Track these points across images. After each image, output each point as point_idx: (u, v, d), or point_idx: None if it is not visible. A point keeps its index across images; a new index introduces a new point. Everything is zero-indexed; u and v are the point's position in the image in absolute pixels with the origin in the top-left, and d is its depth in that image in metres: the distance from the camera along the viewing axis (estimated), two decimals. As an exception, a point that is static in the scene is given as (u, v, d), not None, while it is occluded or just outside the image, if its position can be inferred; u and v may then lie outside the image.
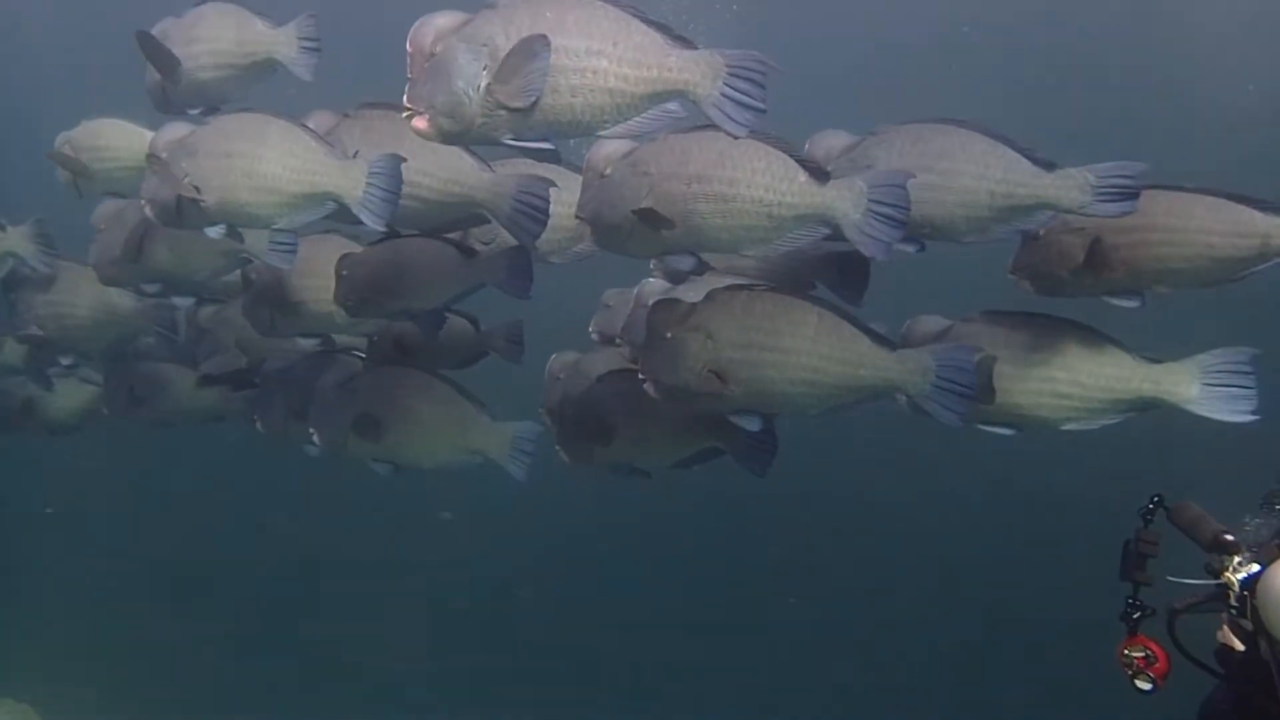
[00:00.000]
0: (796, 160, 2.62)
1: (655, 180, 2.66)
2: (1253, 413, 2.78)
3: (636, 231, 2.71)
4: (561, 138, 2.46)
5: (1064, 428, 2.99)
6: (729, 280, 3.00)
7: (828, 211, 2.61)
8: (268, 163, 2.98)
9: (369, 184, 2.93)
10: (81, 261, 4.10)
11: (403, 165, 2.91)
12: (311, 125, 3.14)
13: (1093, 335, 2.94)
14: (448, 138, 2.46)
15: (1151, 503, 2.08)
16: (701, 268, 2.84)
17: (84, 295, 4.14)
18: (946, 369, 2.68)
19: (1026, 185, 2.78)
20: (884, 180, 2.57)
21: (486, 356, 3.67)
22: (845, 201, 2.59)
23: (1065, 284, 2.97)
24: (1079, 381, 2.92)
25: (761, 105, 2.32)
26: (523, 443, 3.40)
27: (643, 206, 2.64)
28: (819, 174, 2.62)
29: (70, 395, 4.71)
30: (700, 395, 2.78)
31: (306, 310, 3.53)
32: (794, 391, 2.74)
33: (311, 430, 3.58)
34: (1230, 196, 2.82)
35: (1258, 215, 2.79)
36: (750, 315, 2.74)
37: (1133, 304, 2.94)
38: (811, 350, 2.71)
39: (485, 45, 2.38)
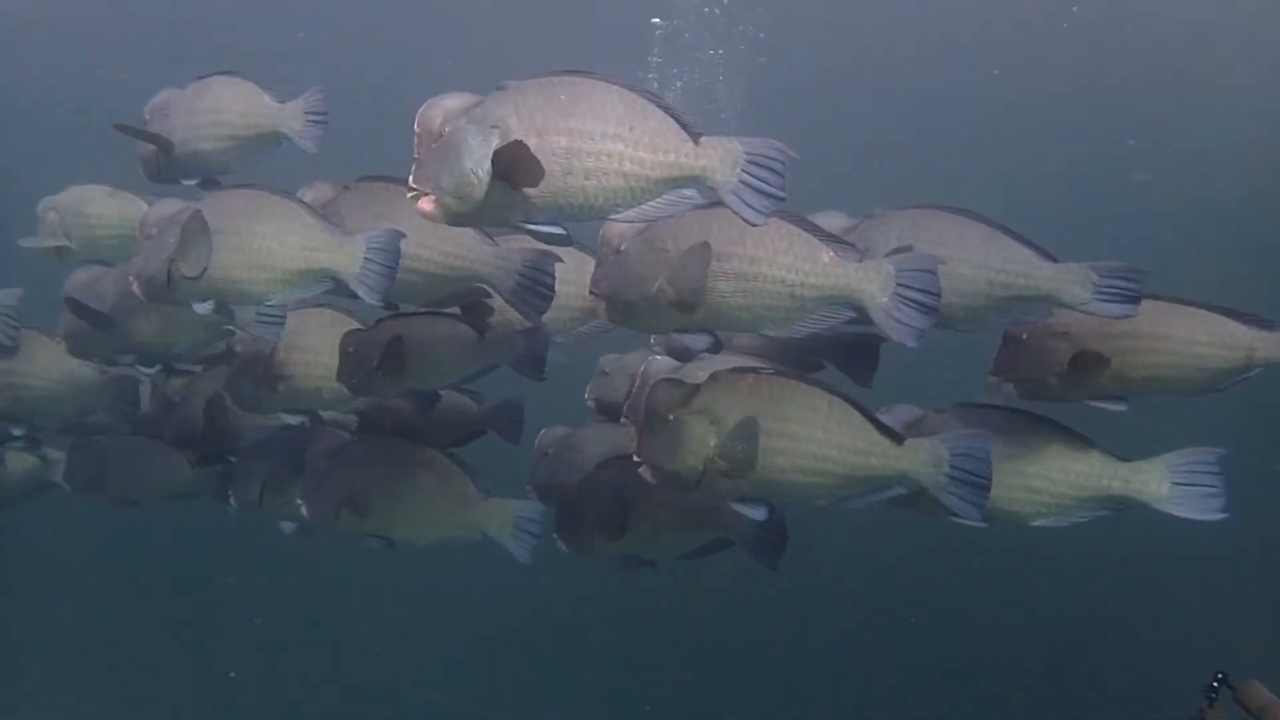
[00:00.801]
0: (821, 239, 2.58)
1: (673, 258, 2.61)
2: (1222, 511, 2.80)
3: (653, 309, 2.66)
4: (573, 221, 2.41)
5: (1033, 523, 2.99)
6: (734, 361, 2.94)
7: (853, 294, 2.57)
8: (262, 238, 2.93)
9: (367, 259, 2.90)
10: (40, 329, 3.98)
11: (404, 238, 2.88)
12: (310, 197, 3.10)
13: (1064, 431, 2.94)
14: (454, 219, 2.41)
15: (1216, 680, 2.01)
16: (718, 346, 2.78)
17: (41, 365, 4.00)
18: (961, 458, 2.62)
19: (1027, 276, 2.77)
20: (913, 264, 2.54)
21: (484, 434, 3.56)
22: (872, 284, 2.55)
23: (1049, 388, 2.96)
24: (1049, 477, 2.91)
25: (781, 194, 2.29)
26: (526, 522, 3.28)
27: (662, 287, 2.60)
28: (845, 254, 2.58)
29: (16, 467, 4.53)
30: (701, 483, 2.68)
31: (295, 385, 3.43)
32: (802, 481, 2.65)
33: (299, 503, 3.44)
34: (1212, 308, 2.89)
35: (1241, 328, 2.87)
36: (757, 399, 2.65)
37: (1119, 408, 2.96)
38: (822, 439, 2.62)
39: (496, 126, 2.34)
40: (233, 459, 3.96)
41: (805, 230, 2.60)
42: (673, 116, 2.35)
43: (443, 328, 3.23)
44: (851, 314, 2.61)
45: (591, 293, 2.82)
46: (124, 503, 4.17)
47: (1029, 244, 2.81)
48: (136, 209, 3.71)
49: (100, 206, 3.85)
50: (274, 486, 3.61)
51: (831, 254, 2.58)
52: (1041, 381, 2.97)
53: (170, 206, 3.09)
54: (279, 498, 3.60)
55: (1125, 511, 2.95)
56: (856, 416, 2.65)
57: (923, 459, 2.63)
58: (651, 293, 2.65)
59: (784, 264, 2.58)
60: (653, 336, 3.46)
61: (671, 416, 2.67)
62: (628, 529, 3.15)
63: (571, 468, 3.43)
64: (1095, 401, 2.96)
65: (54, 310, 3.95)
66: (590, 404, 3.63)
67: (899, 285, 2.53)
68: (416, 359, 3.17)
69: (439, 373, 3.24)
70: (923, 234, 2.76)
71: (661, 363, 3.22)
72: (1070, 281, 2.76)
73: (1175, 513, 2.85)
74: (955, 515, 2.71)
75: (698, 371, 2.91)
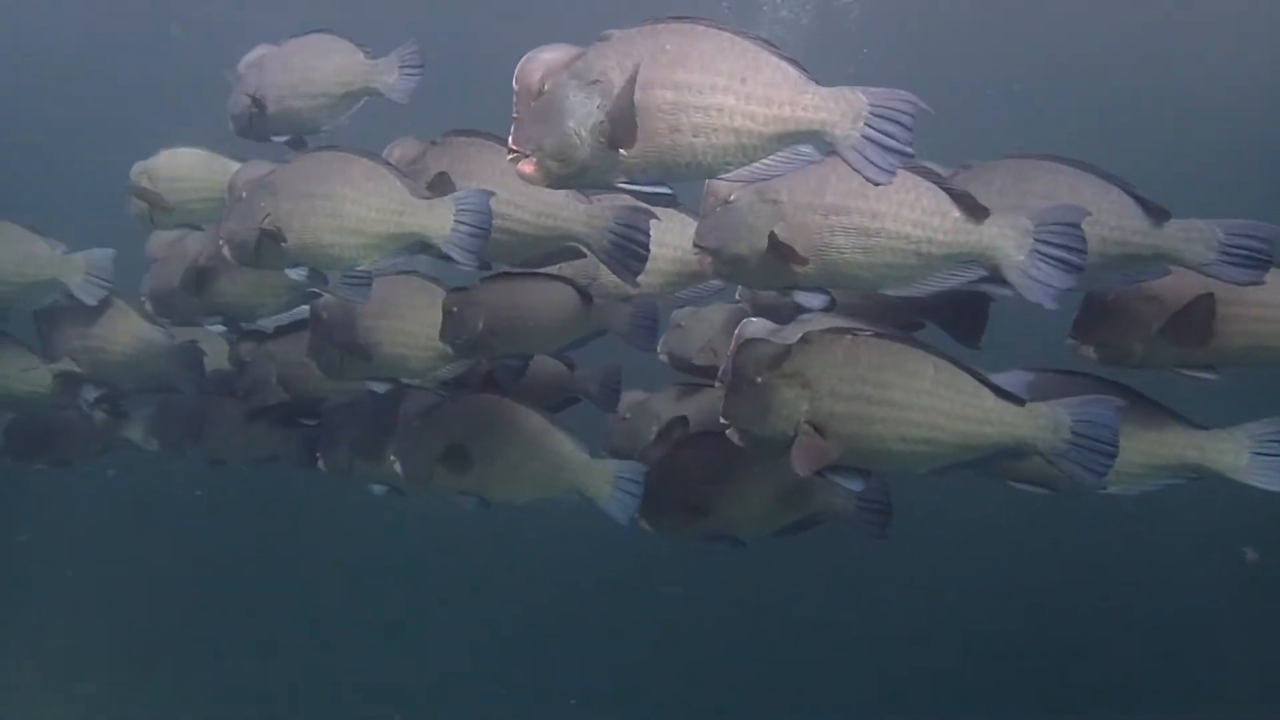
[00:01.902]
0: (949, 193, 2.43)
1: (786, 210, 2.49)
2: None
3: (764, 265, 2.54)
4: (680, 181, 2.30)
5: (1104, 491, 2.86)
6: (829, 321, 2.80)
7: (986, 251, 2.41)
8: (352, 203, 2.89)
9: (457, 221, 2.84)
10: (120, 295, 4.06)
11: (493, 197, 2.82)
12: (396, 154, 3.07)
13: (1136, 397, 2.79)
14: (556, 181, 2.31)
15: None
16: (832, 304, 2.65)
17: (120, 330, 4.09)
18: (1084, 424, 2.45)
19: (1144, 233, 2.60)
20: (1054, 218, 2.36)
21: (578, 402, 3.49)
22: (1007, 241, 2.39)
23: (1135, 355, 2.82)
24: (1122, 444, 2.74)
25: (909, 149, 2.14)
26: (626, 482, 3.13)
27: (774, 237, 2.47)
28: (976, 209, 2.42)
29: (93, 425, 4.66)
30: (792, 450, 2.55)
31: (382, 352, 3.40)
32: (905, 450, 2.51)
33: (393, 462, 3.41)
34: None
35: None
36: (855, 363, 2.50)
37: (1208, 377, 2.80)
38: (929, 405, 2.48)
39: (598, 81, 2.23)
40: (308, 422, 3.99)
41: (932, 182, 2.44)
42: (790, 64, 2.20)
43: (549, 291, 3.16)
44: (982, 273, 2.45)
45: (697, 246, 2.71)
46: (210, 461, 4.23)
47: (1145, 199, 2.63)
48: (229, 172, 3.70)
49: (192, 170, 3.86)
50: (364, 449, 3.59)
51: (961, 208, 2.42)
52: (1126, 347, 2.82)
53: (258, 169, 3.09)
54: (370, 461, 3.58)
55: (1200, 480, 2.82)
56: (967, 380, 2.50)
57: (1042, 424, 2.47)
58: (762, 246, 2.53)
59: (910, 219, 2.43)
60: (737, 292, 3.35)
61: (760, 379, 2.55)
62: (715, 509, 3.07)
63: (650, 434, 3.37)
64: (1184, 370, 2.81)
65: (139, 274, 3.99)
66: (664, 359, 3.55)
67: (1038, 241, 2.36)
68: (521, 322, 3.11)
69: (544, 337, 3.18)
70: (1028, 186, 2.60)
71: (757, 325, 3.09)
72: (1192, 240, 2.58)
73: (1253, 484, 2.72)
74: (1079, 482, 2.56)
75: (791, 333, 2.80)
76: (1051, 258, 2.34)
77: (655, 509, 3.16)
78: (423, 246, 2.93)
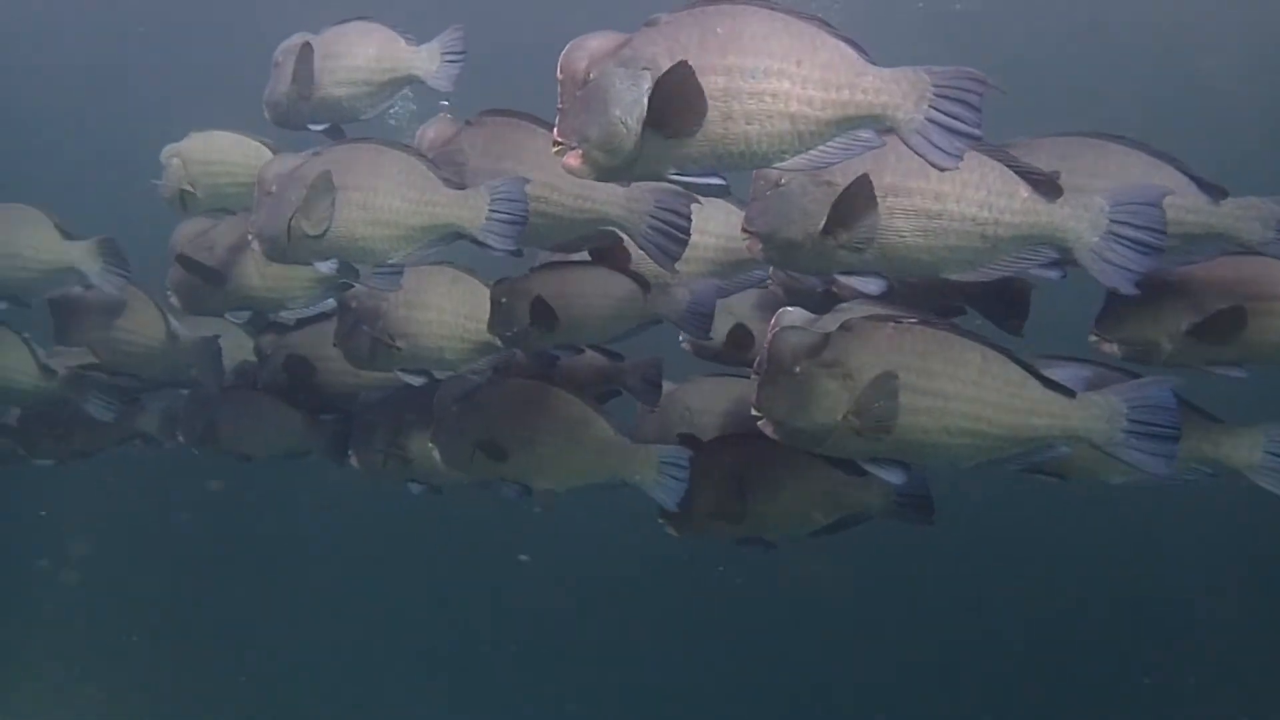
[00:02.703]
0: (1018, 171, 2.34)
1: (841, 191, 2.41)
2: None
3: (818, 250, 2.47)
4: (733, 170, 2.22)
5: (1113, 481, 2.86)
6: (865, 310, 2.72)
7: (1057, 233, 2.33)
8: (385, 194, 2.85)
9: (492, 210, 2.79)
10: (141, 286, 4.01)
11: (528, 183, 2.78)
12: (431, 134, 3.03)
13: None
14: (603, 173, 2.24)
15: None
16: (890, 291, 2.58)
17: (141, 322, 4.04)
18: (1141, 410, 2.39)
19: (1198, 212, 2.54)
20: (1131, 197, 2.28)
21: (619, 395, 3.43)
22: (1080, 222, 2.30)
23: (1162, 352, 2.76)
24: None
25: (976, 131, 2.06)
26: (671, 467, 3.05)
27: (830, 221, 2.40)
28: (1047, 188, 2.33)
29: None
30: (830, 442, 2.50)
31: (416, 344, 3.37)
32: (951, 443, 2.44)
33: (431, 452, 3.36)
34: None
35: None
36: (899, 352, 2.43)
37: (1237, 375, 2.76)
38: (976, 396, 2.40)
39: (647, 69, 2.15)
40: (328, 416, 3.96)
41: (997, 159, 2.35)
42: (848, 45, 2.11)
43: (601, 279, 3.10)
44: (1053, 256, 2.38)
45: (746, 231, 2.63)
46: (237, 456, 4.19)
47: (1198, 176, 2.56)
48: (263, 156, 3.64)
49: (226, 153, 3.79)
50: (399, 444, 3.55)
51: (1031, 188, 2.34)
52: (1152, 344, 2.77)
53: (288, 161, 3.02)
54: (405, 457, 3.54)
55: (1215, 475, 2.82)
56: (1015, 371, 2.42)
57: (1095, 415, 2.40)
58: (815, 230, 2.46)
59: (975, 199, 2.35)
60: (770, 275, 3.27)
61: (799, 369, 2.48)
62: (745, 513, 3.01)
63: (679, 426, 3.32)
64: (1212, 368, 2.77)
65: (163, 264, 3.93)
66: (686, 347, 3.46)
67: (1114, 222, 2.28)
68: (573, 311, 3.05)
69: (597, 327, 3.12)
70: (1075, 164, 2.52)
71: (795, 314, 3.01)
72: (1248, 218, 2.53)
73: (1261, 483, 2.72)
74: (1143, 471, 2.50)
75: (830, 321, 2.73)
76: (1129, 239, 2.26)
77: (681, 512, 3.09)
78: (457, 237, 2.89)
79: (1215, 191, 2.58)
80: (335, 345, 3.56)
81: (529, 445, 3.15)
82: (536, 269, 3.17)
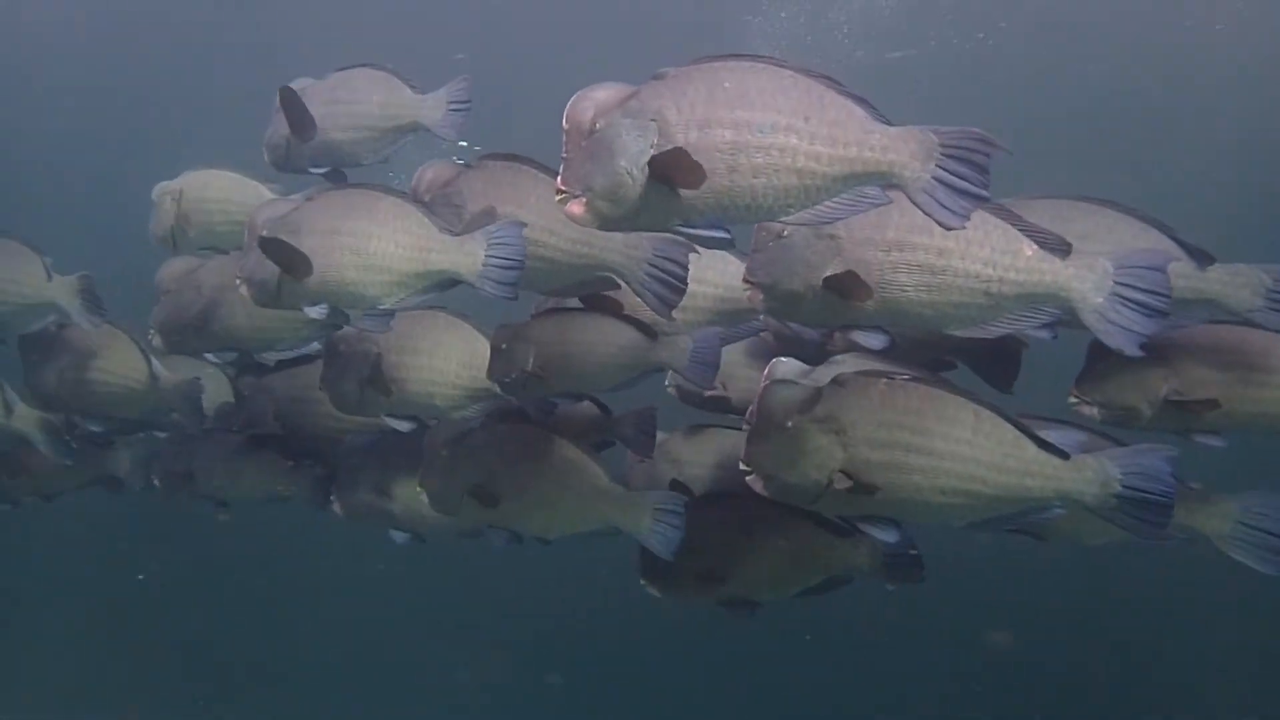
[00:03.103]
0: (1021, 229, 2.36)
1: (844, 245, 2.42)
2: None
3: (820, 302, 2.47)
4: (738, 224, 2.22)
5: (1091, 543, 2.92)
6: (858, 364, 2.72)
7: (1061, 292, 2.35)
8: (377, 239, 2.83)
9: (489, 256, 2.78)
10: (118, 324, 3.93)
11: (525, 228, 2.78)
12: (429, 176, 3.03)
13: None
14: (607, 223, 2.23)
15: None
16: (891, 345, 2.58)
17: (118, 361, 3.94)
18: (1135, 476, 2.39)
19: (1187, 277, 2.59)
20: (1137, 260, 2.31)
21: (612, 446, 3.40)
22: (1085, 282, 2.32)
23: (1142, 418, 2.78)
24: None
25: (983, 192, 2.07)
26: (665, 514, 2.99)
27: (833, 274, 2.41)
28: (1052, 246, 2.35)
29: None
30: (821, 499, 2.48)
31: (406, 389, 3.32)
32: (943, 502, 2.44)
33: (418, 498, 3.29)
34: None
35: None
36: (892, 409, 2.42)
37: (1216, 444, 2.77)
38: (969, 456, 2.40)
39: (654, 120, 2.16)
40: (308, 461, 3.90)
41: (1002, 218, 2.37)
42: (856, 103, 2.13)
43: (605, 326, 3.08)
44: (1057, 315, 2.39)
45: (747, 282, 2.63)
46: (213, 502, 4.10)
47: (1186, 243, 2.61)
48: (260, 196, 3.61)
49: (222, 192, 3.75)
50: (383, 491, 3.48)
51: (1035, 247, 2.35)
52: (1133, 410, 2.78)
53: (280, 207, 3.00)
54: (389, 504, 3.47)
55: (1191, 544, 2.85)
56: (1009, 431, 2.42)
57: (1090, 478, 2.40)
58: (818, 283, 2.46)
59: (979, 256, 2.37)
60: (766, 323, 3.27)
61: (791, 423, 2.46)
62: (731, 574, 2.98)
63: (667, 478, 3.29)
64: (1193, 436, 2.79)
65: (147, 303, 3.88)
66: (672, 392, 3.45)
67: (1118, 284, 2.30)
68: (576, 359, 3.03)
69: (599, 375, 3.09)
70: (1066, 227, 2.53)
71: (788, 365, 3.01)
72: (1237, 285, 2.58)
73: (1232, 555, 2.74)
74: (1136, 536, 2.50)
75: (824, 374, 2.72)
76: (1133, 302, 2.29)
77: (664, 573, 3.05)
78: (453, 283, 2.87)
79: (1203, 258, 2.63)
80: (321, 389, 3.51)
81: (521, 491, 3.09)
82: (538, 315, 3.15)
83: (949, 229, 2.10)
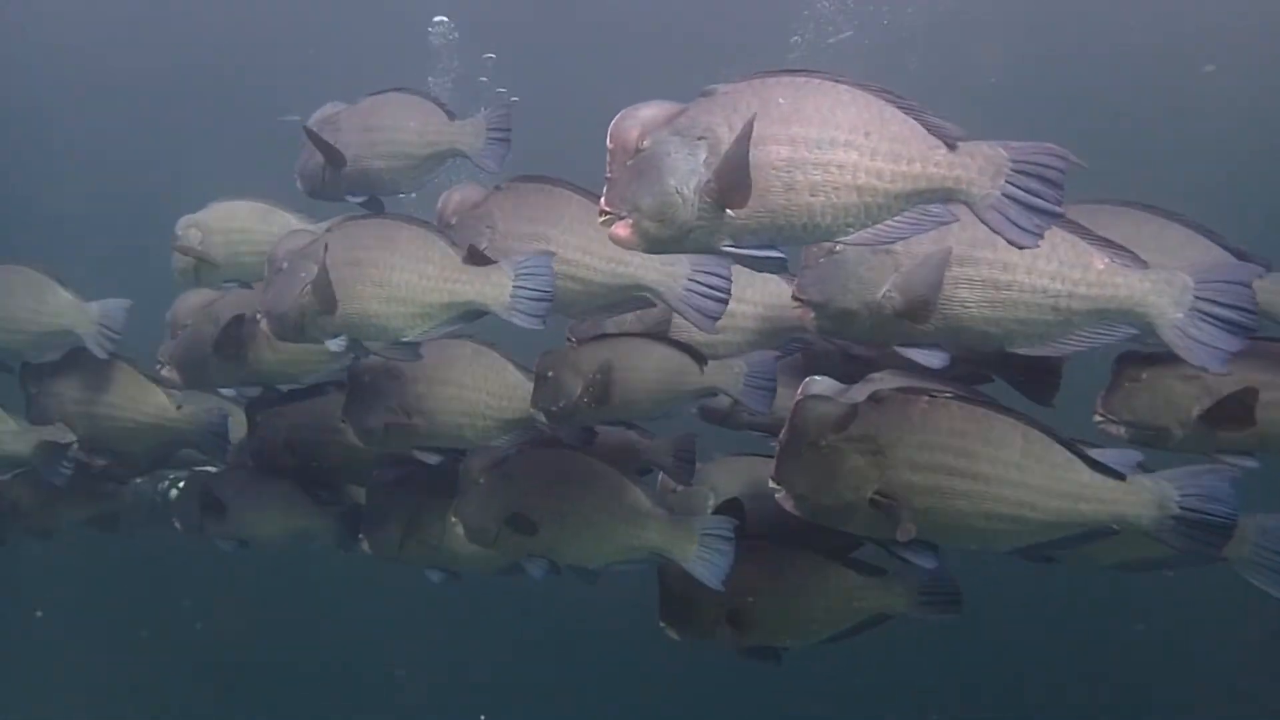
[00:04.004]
0: (1091, 242, 2.26)
1: (902, 260, 2.33)
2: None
3: (877, 320, 2.39)
4: (793, 244, 2.12)
5: (1103, 563, 2.83)
6: (895, 381, 2.60)
7: (1138, 308, 2.25)
8: (401, 270, 2.77)
9: (518, 286, 2.71)
10: (127, 359, 3.83)
11: (562, 242, 2.74)
12: (457, 199, 2.98)
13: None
14: (655, 244, 2.14)
15: None
16: (951, 364, 2.47)
17: (127, 396, 3.83)
18: (1194, 499, 2.28)
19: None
20: (1220, 275, 2.21)
21: (650, 473, 3.29)
22: (1163, 297, 2.23)
23: (1172, 438, 2.67)
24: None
25: (1058, 209, 1.97)
26: (713, 540, 2.87)
27: (889, 294, 2.32)
28: (1125, 259, 2.25)
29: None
30: (857, 522, 2.37)
31: (435, 421, 3.22)
32: (988, 528, 2.33)
33: (455, 520, 3.17)
34: None
35: None
36: (934, 430, 2.31)
37: (1249, 465, 2.64)
38: (1018, 480, 2.29)
39: (703, 138, 2.06)
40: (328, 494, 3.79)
41: (1071, 231, 2.27)
42: (918, 118, 2.03)
43: (655, 350, 2.99)
44: (1131, 331, 2.29)
45: (797, 299, 2.54)
46: (236, 543, 3.98)
47: (1239, 249, 2.51)
48: (288, 226, 3.55)
49: (248, 223, 3.67)
50: (416, 528, 3.36)
51: (1107, 260, 2.26)
52: (1163, 430, 2.67)
53: (300, 239, 2.96)
54: (423, 541, 3.35)
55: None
56: (1060, 453, 2.31)
57: (1147, 500, 2.29)
58: (875, 300, 2.36)
59: (1046, 270, 2.28)
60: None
61: (825, 442, 2.35)
62: (755, 619, 2.87)
63: (704, 507, 3.17)
64: (1223, 457, 2.65)
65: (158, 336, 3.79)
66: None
67: (1199, 299, 2.20)
68: (627, 385, 2.93)
69: (649, 401, 2.99)
70: (1110, 235, 2.42)
71: (822, 382, 2.90)
72: None
73: (1245, 576, 2.61)
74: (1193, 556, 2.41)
75: (860, 393, 2.60)
76: (1216, 317, 2.19)
77: (685, 617, 2.94)
78: (479, 314, 2.81)
79: (1258, 263, 2.47)
80: (343, 422, 3.41)
81: (562, 518, 2.97)
82: (585, 341, 3.05)
83: (1022, 248, 1.99)
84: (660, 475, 3.28)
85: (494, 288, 2.73)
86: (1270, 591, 2.54)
